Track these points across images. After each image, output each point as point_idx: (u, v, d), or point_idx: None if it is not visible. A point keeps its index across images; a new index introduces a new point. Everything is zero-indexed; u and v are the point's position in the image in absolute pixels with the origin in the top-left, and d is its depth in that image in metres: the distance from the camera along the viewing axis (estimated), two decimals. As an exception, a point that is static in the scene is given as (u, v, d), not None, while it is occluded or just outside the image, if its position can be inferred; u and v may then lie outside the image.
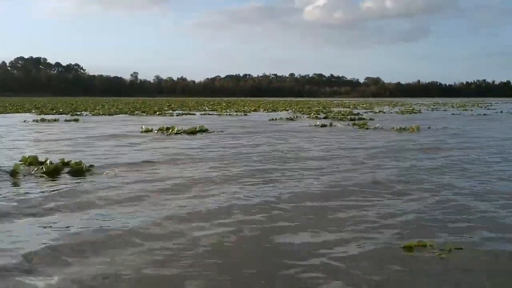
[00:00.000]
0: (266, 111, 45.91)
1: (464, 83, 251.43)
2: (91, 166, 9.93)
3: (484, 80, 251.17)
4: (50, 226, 5.85)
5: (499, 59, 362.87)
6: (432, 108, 53.81)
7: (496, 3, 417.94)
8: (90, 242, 5.24)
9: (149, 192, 7.70)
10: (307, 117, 32.52)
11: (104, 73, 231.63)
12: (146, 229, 5.73)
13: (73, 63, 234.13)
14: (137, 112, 40.37)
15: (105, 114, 36.27)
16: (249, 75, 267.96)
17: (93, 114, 36.28)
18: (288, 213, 6.55)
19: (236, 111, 42.65)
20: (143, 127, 20.70)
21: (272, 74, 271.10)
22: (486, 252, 5.02)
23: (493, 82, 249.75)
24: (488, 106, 64.49)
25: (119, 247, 5.11)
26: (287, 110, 46.43)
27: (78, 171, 9.50)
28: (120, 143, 15.44)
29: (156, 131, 19.63)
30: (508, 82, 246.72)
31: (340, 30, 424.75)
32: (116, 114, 36.61)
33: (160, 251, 5.00)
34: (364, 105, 65.35)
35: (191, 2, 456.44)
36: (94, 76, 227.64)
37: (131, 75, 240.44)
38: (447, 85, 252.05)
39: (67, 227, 5.83)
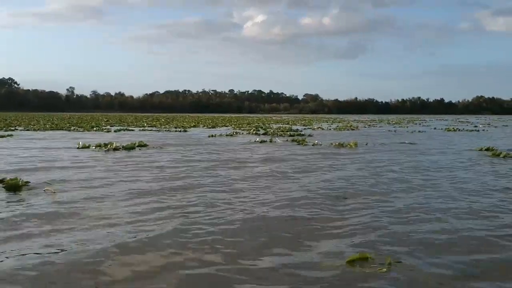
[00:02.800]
0: (205, 127, 45.80)
1: (400, 100, 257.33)
2: (27, 182, 9.68)
3: (419, 98, 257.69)
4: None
5: (434, 77, 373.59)
6: (369, 125, 54.77)
7: (432, 23, 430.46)
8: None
9: (86, 209, 7.54)
10: (247, 133, 32.59)
11: (40, 88, 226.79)
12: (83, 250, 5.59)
13: (6, 77, 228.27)
14: (74, 127, 39.63)
15: (40, 130, 35.43)
16: (189, 91, 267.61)
17: (27, 130, 35.38)
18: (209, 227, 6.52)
19: (176, 127, 42.38)
20: (80, 143, 20.30)
21: (212, 90, 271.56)
22: (424, 264, 5.10)
23: (428, 99, 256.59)
24: (422, 122, 66.12)
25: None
26: (226, 126, 46.47)
27: (14, 186, 9.24)
28: (57, 159, 15.09)
29: (94, 147, 19.29)
30: (442, 99, 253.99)
31: (279, 46, 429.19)
32: (52, 130, 35.81)
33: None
34: (303, 122, 66.08)
35: (127, 15, 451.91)
36: (29, 90, 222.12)
37: (67, 90, 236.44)
38: (384, 102, 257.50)
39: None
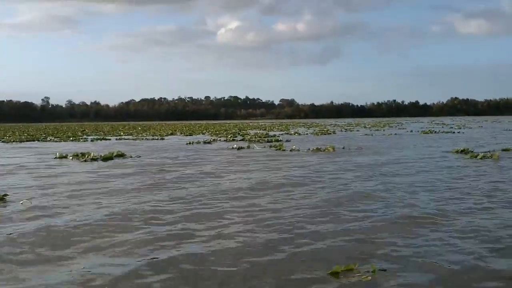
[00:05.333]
0: (182, 134, 45.63)
1: (375, 103, 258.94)
2: (5, 195, 9.57)
3: (394, 101, 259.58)
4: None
5: (407, 80, 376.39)
6: (346, 129, 54.99)
7: (405, 25, 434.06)
8: None
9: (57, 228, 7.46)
10: (224, 140, 32.52)
11: (14, 99, 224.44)
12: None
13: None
14: (50, 138, 39.27)
15: (16, 141, 34.99)
16: (165, 98, 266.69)
17: (3, 141, 34.97)
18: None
19: (153, 136, 42.15)
20: (57, 153, 20.14)
21: (188, 97, 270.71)
22: (410, 273, 5.09)
23: (403, 102, 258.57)
24: (399, 125, 66.57)
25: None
26: (203, 133, 46.35)
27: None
28: (33, 171, 14.91)
29: (71, 157, 19.13)
30: (417, 102, 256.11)
31: (253, 52, 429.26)
32: (28, 141, 35.37)
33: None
34: (280, 127, 66.15)
35: (102, 25, 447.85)
36: (3, 101, 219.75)
37: (42, 100, 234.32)
38: (359, 105, 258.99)
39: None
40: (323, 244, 6.16)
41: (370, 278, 4.88)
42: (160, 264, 5.48)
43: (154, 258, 5.69)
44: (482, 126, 56.97)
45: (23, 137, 40.93)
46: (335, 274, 5.03)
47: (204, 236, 6.64)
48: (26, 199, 9.33)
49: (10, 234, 6.84)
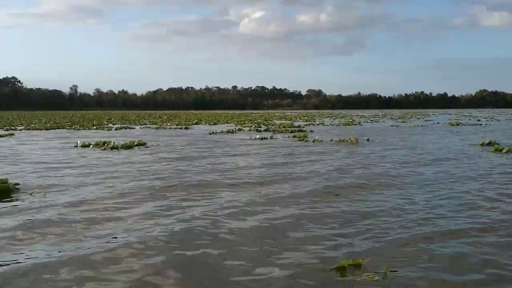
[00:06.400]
0: (207, 124, 45.61)
1: (403, 95, 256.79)
2: (17, 184, 9.51)
3: (422, 92, 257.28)
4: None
5: (433, 72, 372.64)
6: (372, 120, 54.50)
7: (425, 18, 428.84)
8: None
9: (75, 215, 7.35)
10: (248, 130, 32.39)
11: (43, 87, 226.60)
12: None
13: (9, 76, 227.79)
14: (75, 126, 39.51)
15: (41, 129, 35.24)
16: (192, 87, 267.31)
17: (29, 129, 35.24)
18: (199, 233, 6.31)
19: (177, 125, 42.20)
20: (79, 142, 20.16)
21: (215, 87, 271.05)
22: (421, 276, 4.80)
23: (431, 93, 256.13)
24: (425, 117, 65.82)
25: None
26: (228, 123, 46.26)
27: (3, 190, 9.03)
28: (54, 159, 14.88)
29: (92, 146, 19.12)
30: (445, 94, 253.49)
31: (276, 43, 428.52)
32: (53, 129, 35.64)
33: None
34: (306, 118, 65.79)
35: (127, 14, 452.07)
36: (32, 89, 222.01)
37: (70, 88, 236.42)
38: (387, 97, 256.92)
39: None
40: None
41: (377, 278, 4.65)
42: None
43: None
44: (511, 119, 55.97)
45: (48, 125, 41.26)
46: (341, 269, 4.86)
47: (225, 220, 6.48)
48: (39, 189, 9.26)
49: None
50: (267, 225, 6.68)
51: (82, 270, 4.89)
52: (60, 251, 5.51)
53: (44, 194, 8.82)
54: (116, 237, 6.06)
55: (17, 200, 8.41)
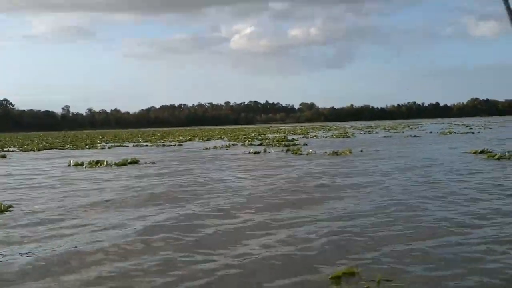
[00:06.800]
0: (201, 140, 45.55)
1: (396, 105, 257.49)
2: (10, 206, 9.46)
3: (414, 102, 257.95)
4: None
5: (425, 80, 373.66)
6: (365, 131, 54.53)
7: (416, 27, 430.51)
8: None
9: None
10: (242, 145, 32.38)
11: (35, 108, 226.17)
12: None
13: (1, 99, 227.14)
14: (68, 146, 39.39)
15: (34, 150, 35.10)
16: (185, 104, 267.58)
17: (21, 150, 35.09)
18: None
19: (171, 142, 42.16)
20: (72, 161, 20.07)
21: (208, 103, 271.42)
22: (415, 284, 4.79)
23: (423, 103, 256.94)
24: (418, 127, 65.95)
25: None
26: (222, 138, 46.25)
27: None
28: (44, 181, 14.82)
29: (85, 166, 19.04)
30: (437, 103, 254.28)
31: (268, 58, 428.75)
32: (46, 149, 35.49)
33: None
34: (299, 131, 65.77)
35: (116, 34, 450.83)
36: (24, 111, 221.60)
37: (63, 108, 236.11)
38: (379, 108, 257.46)
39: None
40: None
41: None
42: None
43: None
44: (504, 126, 56.17)
45: (41, 145, 41.07)
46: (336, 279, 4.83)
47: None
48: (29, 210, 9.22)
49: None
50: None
51: None
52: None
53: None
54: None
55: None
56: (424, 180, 11.77)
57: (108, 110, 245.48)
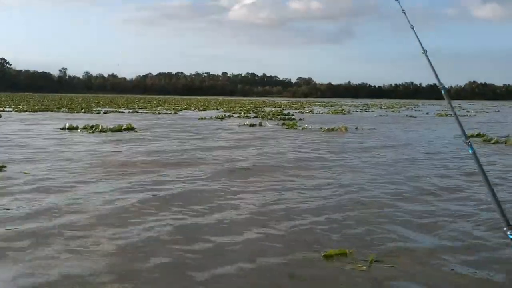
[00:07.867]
0: (197, 109, 45.44)
1: (393, 85, 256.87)
2: (3, 166, 9.43)
3: (412, 83, 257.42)
4: None
5: (423, 61, 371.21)
6: (361, 109, 54.53)
7: (418, 7, 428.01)
8: None
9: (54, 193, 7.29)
10: (237, 116, 32.33)
11: (32, 68, 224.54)
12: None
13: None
14: (63, 109, 39.22)
15: (29, 111, 34.96)
16: (182, 73, 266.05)
17: (16, 111, 34.93)
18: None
19: (167, 110, 42.05)
20: (67, 125, 19.96)
21: (205, 73, 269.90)
22: (410, 265, 4.78)
23: (420, 84, 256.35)
24: (415, 107, 65.92)
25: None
26: (218, 109, 46.13)
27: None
28: (39, 142, 14.76)
29: (80, 129, 18.98)
30: (435, 84, 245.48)
31: (267, 30, 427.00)
32: (41, 111, 35.32)
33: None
34: (295, 105, 65.62)
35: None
36: (21, 71, 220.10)
37: (60, 70, 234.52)
38: (377, 86, 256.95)
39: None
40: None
41: (365, 268, 4.60)
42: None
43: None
44: (499, 111, 56.20)
45: (36, 107, 40.87)
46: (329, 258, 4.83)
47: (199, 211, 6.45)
48: (25, 171, 9.18)
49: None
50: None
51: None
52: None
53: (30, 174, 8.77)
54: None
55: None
56: (408, 175, 11.77)
57: (105, 75, 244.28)
